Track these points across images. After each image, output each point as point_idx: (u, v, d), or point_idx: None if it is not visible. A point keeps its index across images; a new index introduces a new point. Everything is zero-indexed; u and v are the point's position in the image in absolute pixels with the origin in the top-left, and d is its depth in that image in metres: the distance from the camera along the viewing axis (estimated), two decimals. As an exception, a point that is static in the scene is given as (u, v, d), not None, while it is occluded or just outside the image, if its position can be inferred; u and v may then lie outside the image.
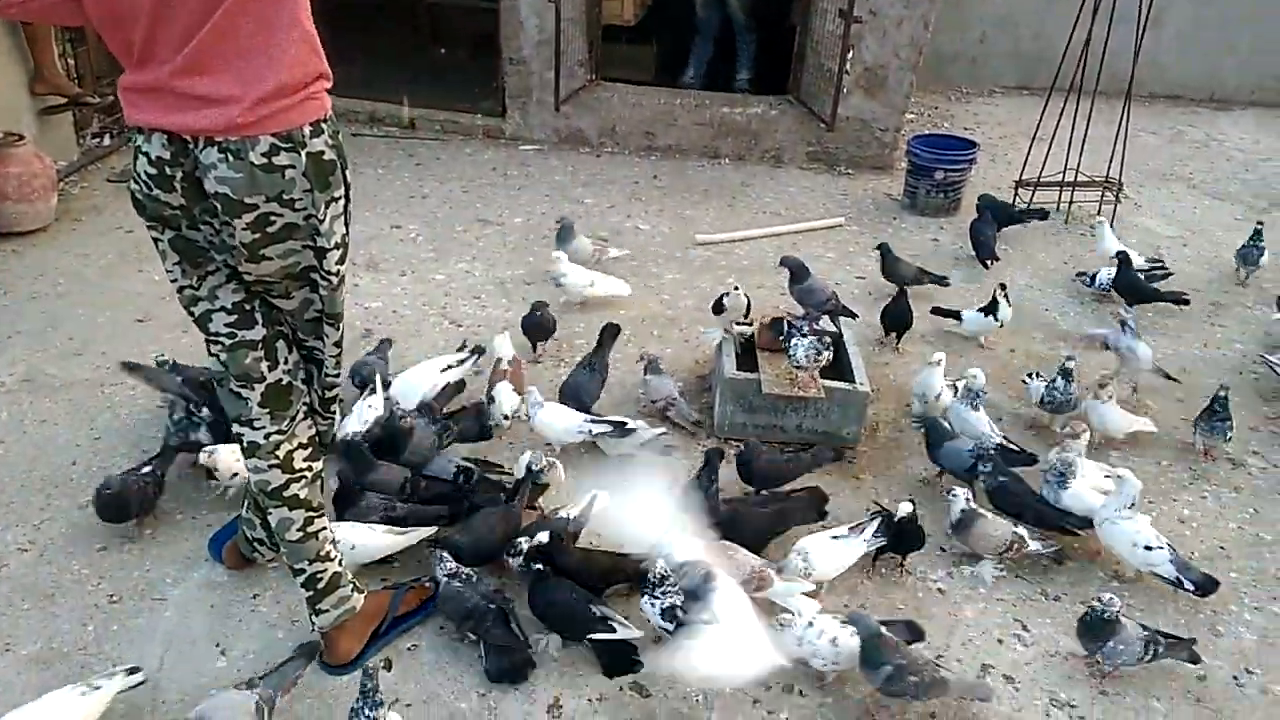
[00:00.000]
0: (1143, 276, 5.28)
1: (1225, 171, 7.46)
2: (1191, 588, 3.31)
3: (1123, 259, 5.19)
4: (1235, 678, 3.14)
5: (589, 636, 3.00)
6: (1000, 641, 3.19)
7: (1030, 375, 4.26)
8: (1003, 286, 4.83)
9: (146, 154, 2.23)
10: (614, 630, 2.98)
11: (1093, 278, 5.39)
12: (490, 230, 5.85)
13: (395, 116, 7.22)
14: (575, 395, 4.06)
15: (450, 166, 6.70)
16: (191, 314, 2.54)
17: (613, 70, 7.48)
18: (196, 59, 2.10)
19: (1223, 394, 3.88)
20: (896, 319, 4.80)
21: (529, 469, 3.46)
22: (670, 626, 2.89)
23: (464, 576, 3.05)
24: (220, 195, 2.21)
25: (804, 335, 3.96)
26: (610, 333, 4.29)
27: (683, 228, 6.03)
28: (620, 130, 7.13)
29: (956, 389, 4.09)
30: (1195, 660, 3.06)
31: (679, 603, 2.88)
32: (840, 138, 6.98)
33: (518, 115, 7.12)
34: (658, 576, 2.90)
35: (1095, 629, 2.94)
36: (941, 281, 5.19)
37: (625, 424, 3.85)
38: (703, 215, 6.22)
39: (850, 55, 6.56)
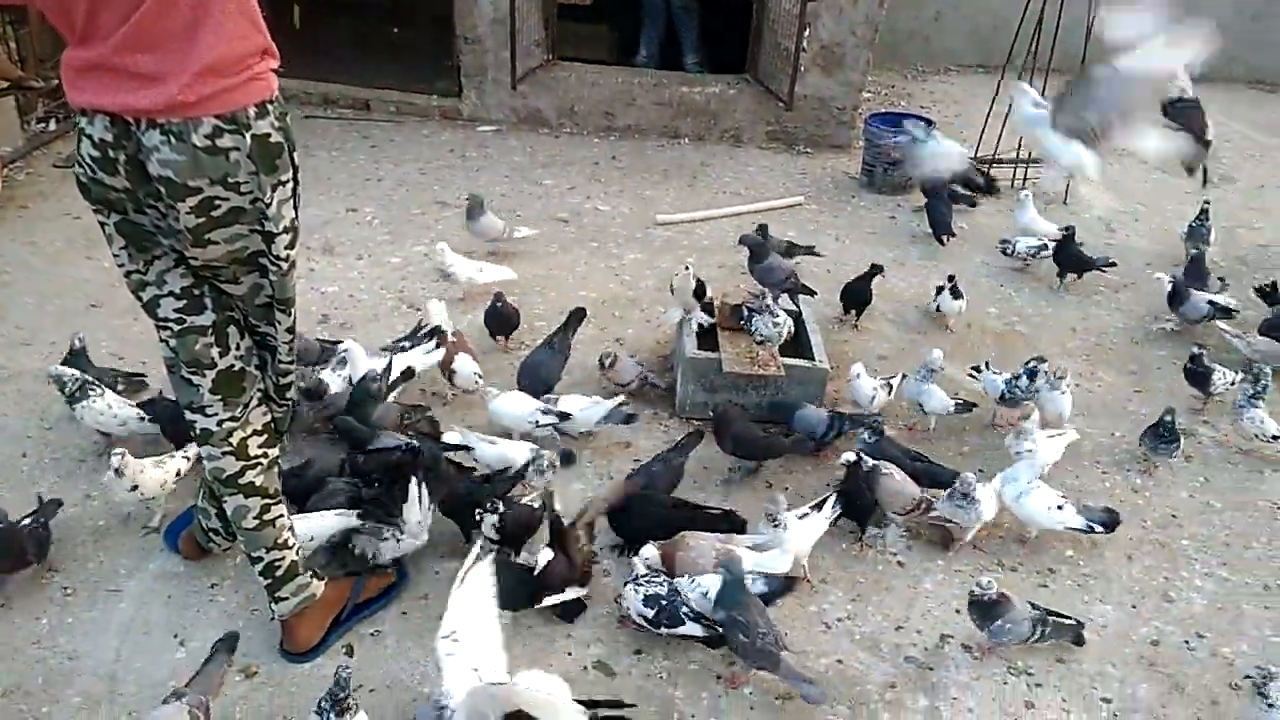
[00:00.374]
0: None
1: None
2: (1101, 529, 3.44)
3: (1069, 233, 5.28)
4: (1187, 642, 3.22)
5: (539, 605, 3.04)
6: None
7: (980, 367, 4.20)
8: (951, 278, 4.87)
9: (89, 136, 2.19)
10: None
11: (1012, 246, 5.45)
12: (449, 212, 5.80)
13: (349, 97, 7.11)
14: (534, 374, 4.04)
15: (406, 148, 6.62)
16: (140, 299, 2.49)
17: (570, 50, 7.42)
18: (137, 34, 2.06)
19: (1168, 418, 3.77)
20: (856, 296, 4.83)
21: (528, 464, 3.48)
22: (652, 614, 2.90)
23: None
24: (163, 179, 2.17)
25: (761, 313, 3.98)
26: (576, 316, 4.28)
27: (643, 208, 6.01)
28: (579, 110, 7.09)
29: (891, 386, 4.11)
30: (1080, 642, 3.10)
31: (663, 593, 2.91)
32: (798, 117, 6.98)
33: (474, 95, 7.04)
34: (647, 569, 2.98)
35: (983, 610, 2.98)
36: (811, 251, 5.19)
37: (569, 415, 3.83)
38: (663, 195, 6.20)
39: (807, 34, 6.56)
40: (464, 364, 4.01)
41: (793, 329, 4.11)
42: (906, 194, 6.35)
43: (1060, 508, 3.43)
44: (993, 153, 6.25)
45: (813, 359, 4.11)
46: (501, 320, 4.45)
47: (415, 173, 6.27)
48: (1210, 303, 4.79)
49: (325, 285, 4.92)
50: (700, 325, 4.25)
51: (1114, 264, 5.30)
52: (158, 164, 2.15)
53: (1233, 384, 4.26)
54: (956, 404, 4.08)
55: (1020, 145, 6.17)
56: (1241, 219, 6.41)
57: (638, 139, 7.05)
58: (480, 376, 4.00)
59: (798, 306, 4.43)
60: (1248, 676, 2.69)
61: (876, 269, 4.82)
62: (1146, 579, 3.45)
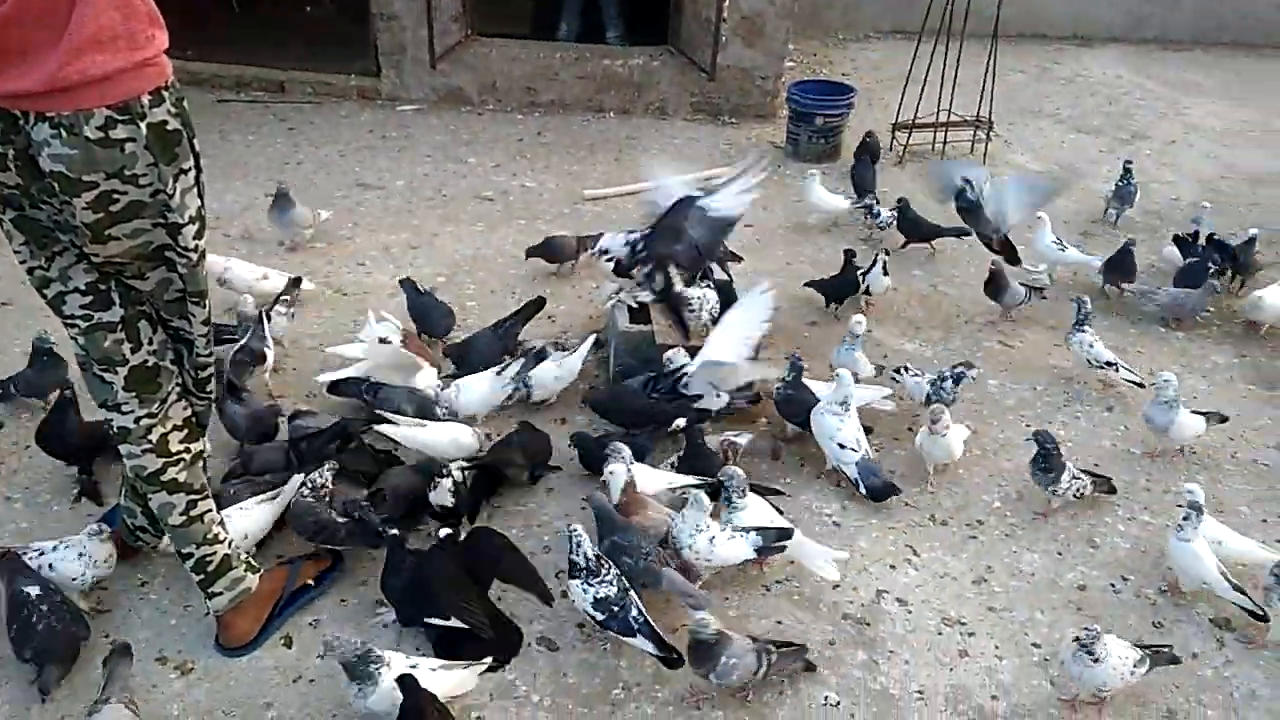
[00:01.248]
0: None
1: (1090, 106, 7.75)
2: (865, 492, 3.52)
3: (903, 203, 5.30)
4: (1112, 584, 3.33)
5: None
6: (893, 568, 3.31)
7: (900, 370, 4.06)
8: (887, 251, 4.90)
9: None
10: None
11: (875, 214, 5.45)
12: (371, 194, 5.70)
13: (263, 80, 6.93)
14: (464, 353, 4.02)
15: (325, 130, 6.48)
16: (44, 296, 2.41)
17: (489, 25, 7.32)
18: (13, 11, 1.96)
19: (1050, 446, 3.49)
20: (842, 289, 4.77)
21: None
22: (601, 617, 2.84)
23: None
24: (56, 174, 2.08)
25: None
26: (535, 304, 4.26)
27: (570, 184, 5.98)
28: (501, 87, 7.00)
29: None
30: (810, 668, 2.92)
31: (613, 594, 2.84)
32: (722, 87, 6.99)
33: (393, 74, 6.92)
34: (586, 559, 2.86)
35: (702, 651, 2.72)
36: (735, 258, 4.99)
37: (541, 350, 3.95)
38: (590, 170, 6.18)
39: (726, 3, 6.56)
40: (423, 379, 3.84)
41: (716, 305, 4.11)
42: (832, 161, 6.40)
43: (844, 447, 3.56)
44: (913, 117, 6.33)
45: (744, 327, 4.14)
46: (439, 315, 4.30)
47: (335, 155, 6.15)
48: (1025, 285, 4.77)
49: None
50: (631, 306, 4.24)
51: (967, 233, 5.11)
52: (49, 159, 2.06)
53: (1025, 302, 4.67)
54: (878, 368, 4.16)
55: (939, 109, 6.26)
56: (1154, 175, 6.60)
57: (562, 114, 6.99)
58: (442, 387, 3.85)
59: (728, 275, 4.46)
60: (1076, 638, 2.72)
61: (850, 254, 4.74)
62: (1072, 526, 3.56)
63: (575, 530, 2.88)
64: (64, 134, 2.04)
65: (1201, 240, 5.15)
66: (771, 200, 5.92)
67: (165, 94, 2.18)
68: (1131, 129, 7.35)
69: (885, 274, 4.79)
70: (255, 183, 5.70)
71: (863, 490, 3.52)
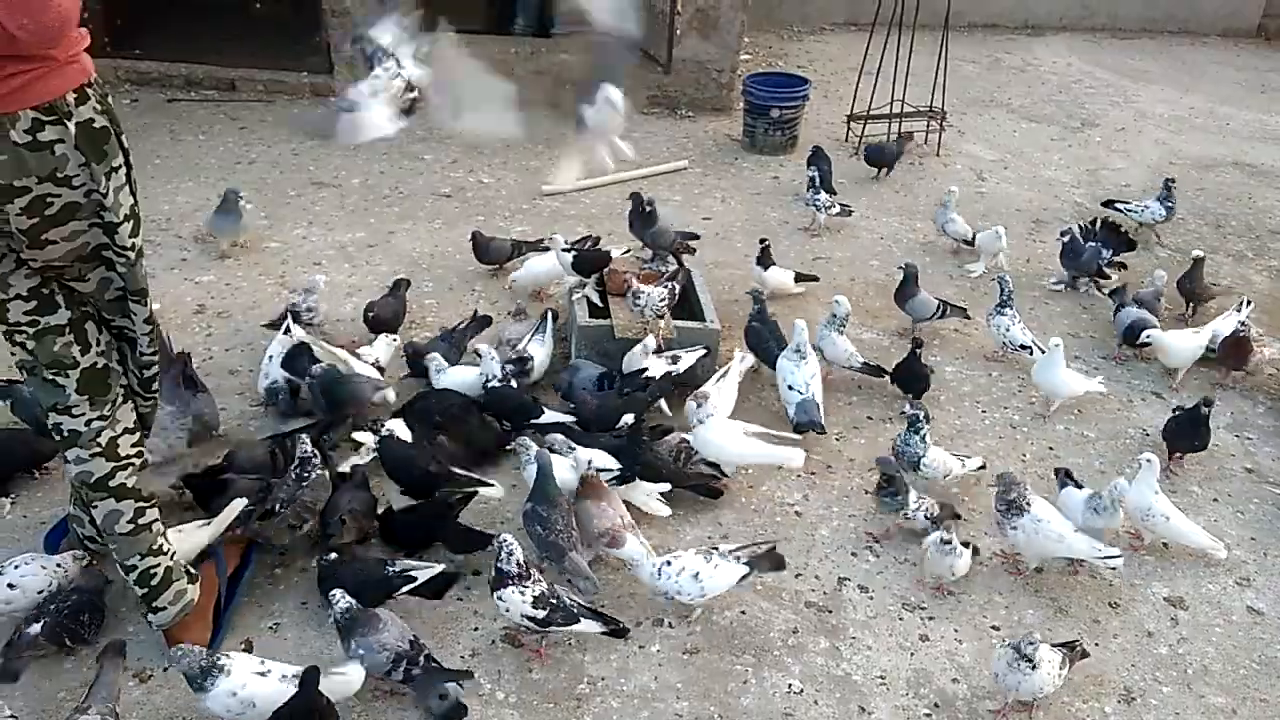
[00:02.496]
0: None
1: (1041, 95, 7.86)
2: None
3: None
4: (1069, 565, 3.38)
5: (398, 593, 2.97)
6: (854, 555, 3.35)
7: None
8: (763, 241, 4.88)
9: None
10: (415, 579, 2.98)
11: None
12: (326, 193, 5.64)
13: (213, 78, 6.82)
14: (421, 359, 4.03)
15: (277, 128, 6.39)
16: None
17: (442, 21, 7.25)
18: None
19: (895, 474, 3.37)
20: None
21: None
22: (543, 614, 2.81)
23: None
24: None
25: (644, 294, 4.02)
26: (482, 322, 4.25)
27: (528, 179, 5.95)
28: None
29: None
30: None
31: (545, 590, 2.83)
32: (678, 80, 7.00)
33: (346, 71, 6.80)
34: (518, 565, 2.83)
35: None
36: (692, 237, 4.96)
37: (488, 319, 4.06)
38: (547, 165, 6.14)
39: (681, -4, 6.57)
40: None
41: (661, 300, 4.10)
42: (789, 153, 6.43)
43: (792, 389, 3.85)
44: (867, 108, 6.38)
45: (703, 319, 4.15)
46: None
47: (289, 153, 6.07)
48: (942, 301, 4.64)
49: (200, 275, 4.73)
50: (591, 301, 4.23)
51: (850, 211, 5.48)
52: None
53: (937, 316, 4.51)
54: (864, 364, 4.14)
55: (893, 101, 6.32)
56: (1104, 161, 6.71)
57: (518, 109, 6.94)
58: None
59: (682, 266, 4.47)
60: (1014, 646, 2.68)
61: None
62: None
63: (505, 539, 2.84)
64: None
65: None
66: (729, 193, 5.95)
67: (89, 91, 2.13)
68: (1082, 117, 7.46)
69: (764, 265, 4.79)
70: (207, 183, 5.59)
71: (791, 421, 3.76)
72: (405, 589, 2.97)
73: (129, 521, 2.61)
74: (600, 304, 4.26)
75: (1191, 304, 4.83)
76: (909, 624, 3.12)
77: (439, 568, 3.02)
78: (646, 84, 7.02)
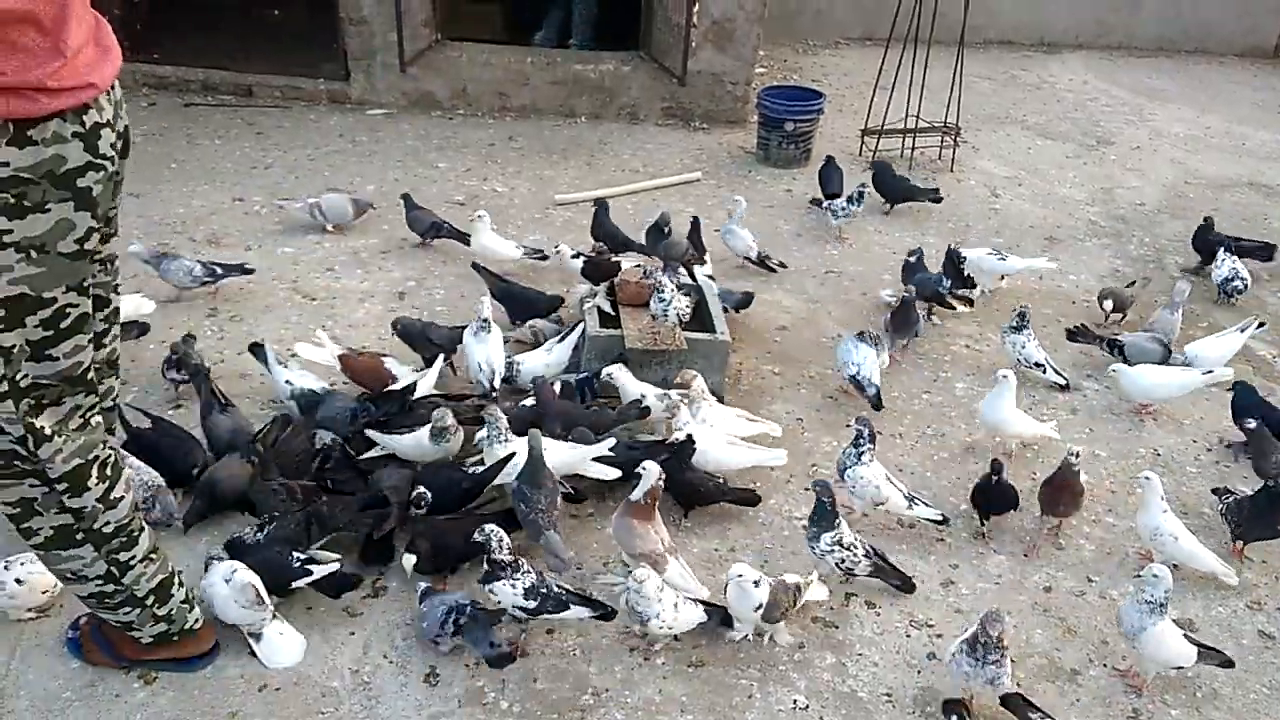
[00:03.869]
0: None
1: (1056, 112, 7.84)
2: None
3: (879, 168, 5.90)
4: (1077, 586, 3.36)
5: (295, 584, 3.00)
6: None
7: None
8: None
9: None
10: (311, 573, 2.99)
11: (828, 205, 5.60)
12: (341, 199, 5.66)
13: (231, 83, 6.86)
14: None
15: (294, 134, 6.43)
16: None
17: (459, 29, 7.30)
18: None
19: (825, 499, 3.17)
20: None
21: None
22: (535, 604, 2.87)
23: None
24: None
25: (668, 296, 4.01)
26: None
27: (541, 188, 5.97)
28: (471, 91, 6.98)
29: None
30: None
31: (535, 580, 2.89)
32: (693, 92, 7.01)
33: (363, 78, 6.88)
34: (510, 553, 2.88)
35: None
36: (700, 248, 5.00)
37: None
38: (561, 175, 6.17)
39: (697, 9, 6.58)
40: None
41: (687, 306, 4.11)
42: (802, 167, 6.44)
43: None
44: (881, 123, 6.38)
45: (714, 331, 4.15)
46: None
47: (304, 160, 6.10)
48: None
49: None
50: (602, 310, 4.24)
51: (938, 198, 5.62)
52: None
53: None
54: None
55: (907, 116, 6.32)
56: (1119, 179, 6.69)
57: (533, 119, 6.98)
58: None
59: (694, 279, 4.47)
60: (978, 642, 2.70)
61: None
62: (1037, 529, 3.59)
63: (493, 530, 2.90)
64: None
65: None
66: (742, 205, 5.95)
67: None
68: (1097, 134, 7.45)
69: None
70: (222, 187, 5.64)
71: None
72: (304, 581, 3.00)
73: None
74: (611, 314, 4.26)
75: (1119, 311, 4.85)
76: (916, 641, 3.10)
77: (332, 563, 3.03)
78: (661, 95, 7.05)
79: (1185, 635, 2.92)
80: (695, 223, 4.94)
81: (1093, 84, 8.55)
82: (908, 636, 3.12)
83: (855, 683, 2.95)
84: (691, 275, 4.54)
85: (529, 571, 2.91)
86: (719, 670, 2.95)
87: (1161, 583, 2.82)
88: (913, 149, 6.49)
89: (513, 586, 2.87)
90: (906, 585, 3.27)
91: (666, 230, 4.56)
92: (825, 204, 5.58)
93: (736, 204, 5.11)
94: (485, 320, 3.92)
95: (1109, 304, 4.79)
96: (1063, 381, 4.36)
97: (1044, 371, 4.32)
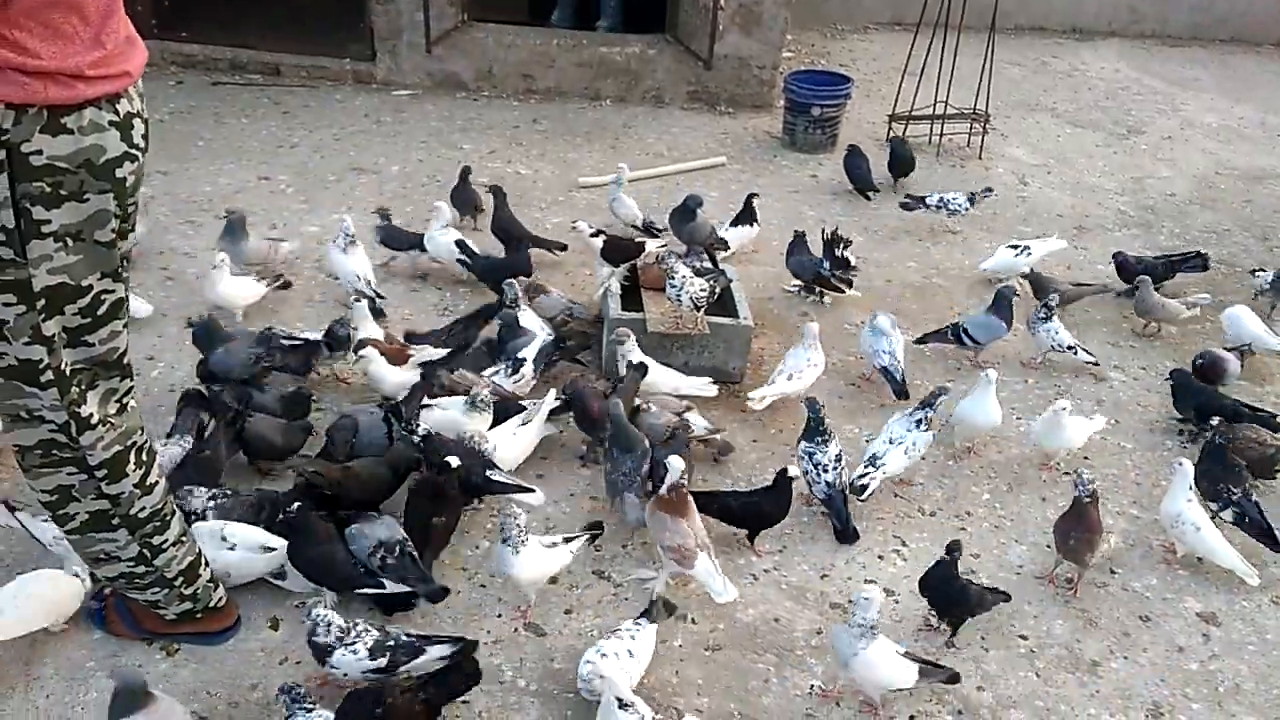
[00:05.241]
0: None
1: (1087, 100, 7.74)
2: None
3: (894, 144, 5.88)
4: (1099, 577, 3.33)
5: (359, 590, 2.90)
6: (881, 558, 3.31)
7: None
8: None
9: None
10: (383, 586, 2.88)
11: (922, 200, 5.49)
12: (365, 179, 5.68)
13: (258, 62, 6.89)
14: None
15: (320, 114, 6.45)
16: None
17: (485, 11, 7.28)
18: None
19: (813, 413, 3.47)
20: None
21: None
22: (385, 662, 2.63)
23: None
24: None
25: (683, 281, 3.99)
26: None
27: (565, 171, 5.96)
28: (497, 73, 6.98)
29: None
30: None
31: (378, 637, 2.67)
32: (719, 76, 6.97)
33: (388, 59, 6.88)
34: (338, 631, 2.64)
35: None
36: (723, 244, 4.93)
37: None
38: (585, 158, 6.15)
39: (725, -9, 6.55)
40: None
41: (701, 290, 4.04)
42: (828, 152, 6.39)
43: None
44: (909, 109, 6.32)
45: (736, 316, 4.13)
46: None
47: (330, 139, 6.12)
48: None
49: (239, 256, 4.78)
50: (610, 289, 4.21)
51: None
52: None
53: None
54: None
55: (936, 102, 6.25)
56: (1149, 169, 6.60)
57: (558, 101, 6.97)
58: None
59: (716, 265, 4.45)
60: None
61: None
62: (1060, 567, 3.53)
63: (315, 613, 2.65)
64: None
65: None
66: (766, 190, 5.90)
67: None
68: (1128, 124, 7.35)
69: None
70: (249, 165, 5.67)
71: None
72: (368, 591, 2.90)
73: None
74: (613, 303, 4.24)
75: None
76: (936, 631, 3.08)
77: (399, 589, 2.91)
78: (687, 79, 7.01)
79: (908, 654, 2.76)
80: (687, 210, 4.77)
81: (1124, 72, 8.44)
82: (927, 625, 3.10)
83: (873, 669, 2.94)
84: (713, 260, 4.52)
85: (367, 630, 2.68)
86: (735, 654, 2.95)
87: (872, 604, 2.65)
88: (941, 135, 6.43)
89: (354, 654, 2.63)
90: (845, 535, 3.35)
91: (696, 213, 4.54)
92: (939, 200, 5.39)
93: (620, 169, 5.12)
94: (351, 235, 4.33)
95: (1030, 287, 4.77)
96: (1093, 359, 4.33)
97: (1075, 354, 4.30)
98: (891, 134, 6.28)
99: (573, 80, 7.02)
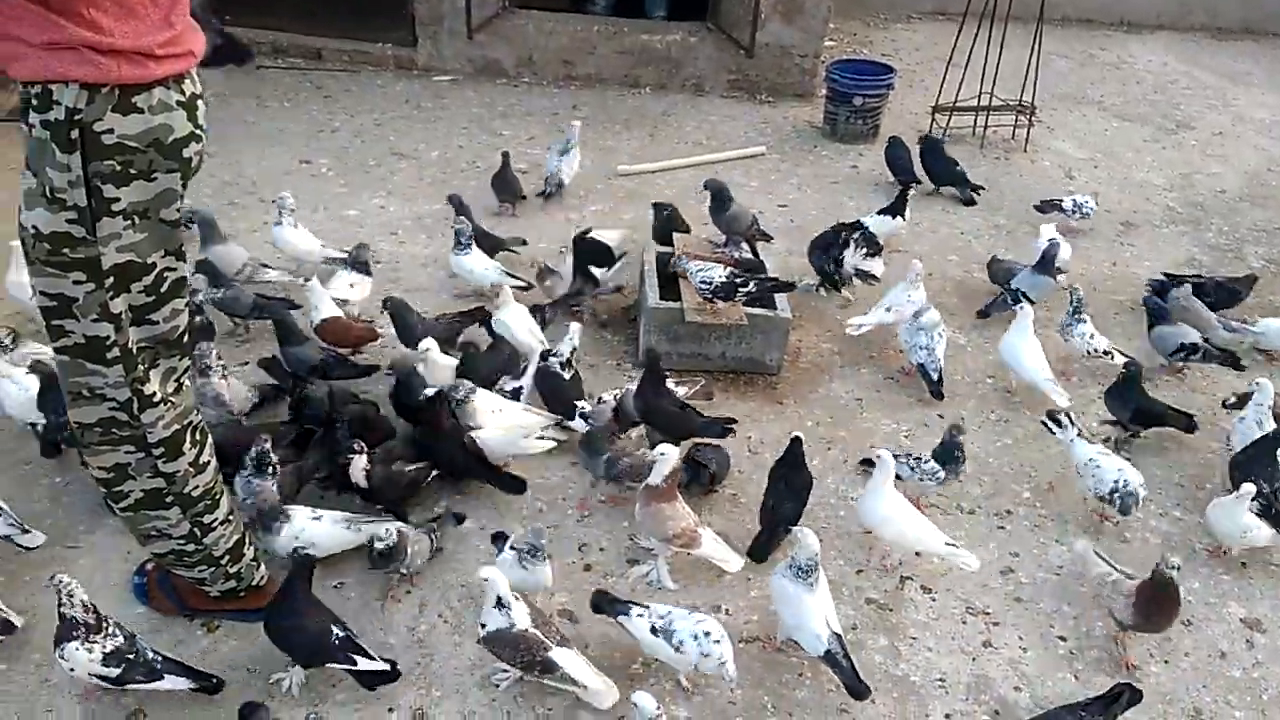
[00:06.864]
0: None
1: (1135, 94, 7.60)
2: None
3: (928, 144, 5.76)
4: (1139, 579, 3.28)
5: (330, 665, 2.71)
6: (918, 554, 3.28)
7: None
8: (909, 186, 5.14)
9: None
10: (355, 663, 2.66)
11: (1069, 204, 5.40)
12: (405, 164, 5.70)
13: (300, 46, 6.93)
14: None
15: (361, 98, 6.48)
16: None
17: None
18: None
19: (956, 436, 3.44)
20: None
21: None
22: (117, 672, 2.50)
23: None
24: None
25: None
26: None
27: (604, 159, 5.94)
28: (537, 60, 6.97)
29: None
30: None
31: (121, 644, 2.53)
32: (760, 65, 6.92)
33: (430, 45, 6.90)
34: (83, 609, 2.49)
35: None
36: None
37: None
38: (624, 146, 6.13)
39: (767, -21, 6.49)
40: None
41: (710, 278, 4.01)
42: (869, 143, 6.32)
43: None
44: (953, 100, 6.23)
45: (774, 308, 4.10)
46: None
47: (370, 124, 6.15)
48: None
49: (280, 239, 4.82)
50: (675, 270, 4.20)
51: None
52: None
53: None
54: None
55: (981, 93, 6.16)
56: (1199, 165, 6.47)
57: (598, 89, 6.95)
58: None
59: (757, 256, 4.42)
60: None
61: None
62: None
63: (62, 579, 2.51)
64: None
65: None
66: (806, 181, 5.87)
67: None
68: (1177, 118, 7.20)
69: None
70: (290, 149, 5.70)
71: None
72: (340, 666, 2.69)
73: None
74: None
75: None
76: (972, 628, 3.05)
77: (379, 666, 2.70)
78: (728, 67, 6.96)
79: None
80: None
81: (1173, 65, 8.27)
82: (963, 623, 3.07)
83: (908, 666, 2.92)
84: (754, 251, 4.49)
85: (115, 634, 2.54)
86: (769, 651, 2.93)
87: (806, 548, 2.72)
88: (985, 127, 6.34)
89: (89, 651, 2.49)
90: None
91: (731, 200, 4.51)
92: (1074, 204, 5.33)
93: (571, 128, 5.25)
94: (291, 209, 4.38)
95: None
96: (1132, 362, 4.11)
97: (1111, 358, 4.15)
98: (945, 131, 6.19)
99: (613, 67, 7.00)
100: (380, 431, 3.48)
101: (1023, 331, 4.02)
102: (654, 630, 2.69)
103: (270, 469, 3.00)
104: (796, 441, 3.27)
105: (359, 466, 3.12)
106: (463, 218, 4.46)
